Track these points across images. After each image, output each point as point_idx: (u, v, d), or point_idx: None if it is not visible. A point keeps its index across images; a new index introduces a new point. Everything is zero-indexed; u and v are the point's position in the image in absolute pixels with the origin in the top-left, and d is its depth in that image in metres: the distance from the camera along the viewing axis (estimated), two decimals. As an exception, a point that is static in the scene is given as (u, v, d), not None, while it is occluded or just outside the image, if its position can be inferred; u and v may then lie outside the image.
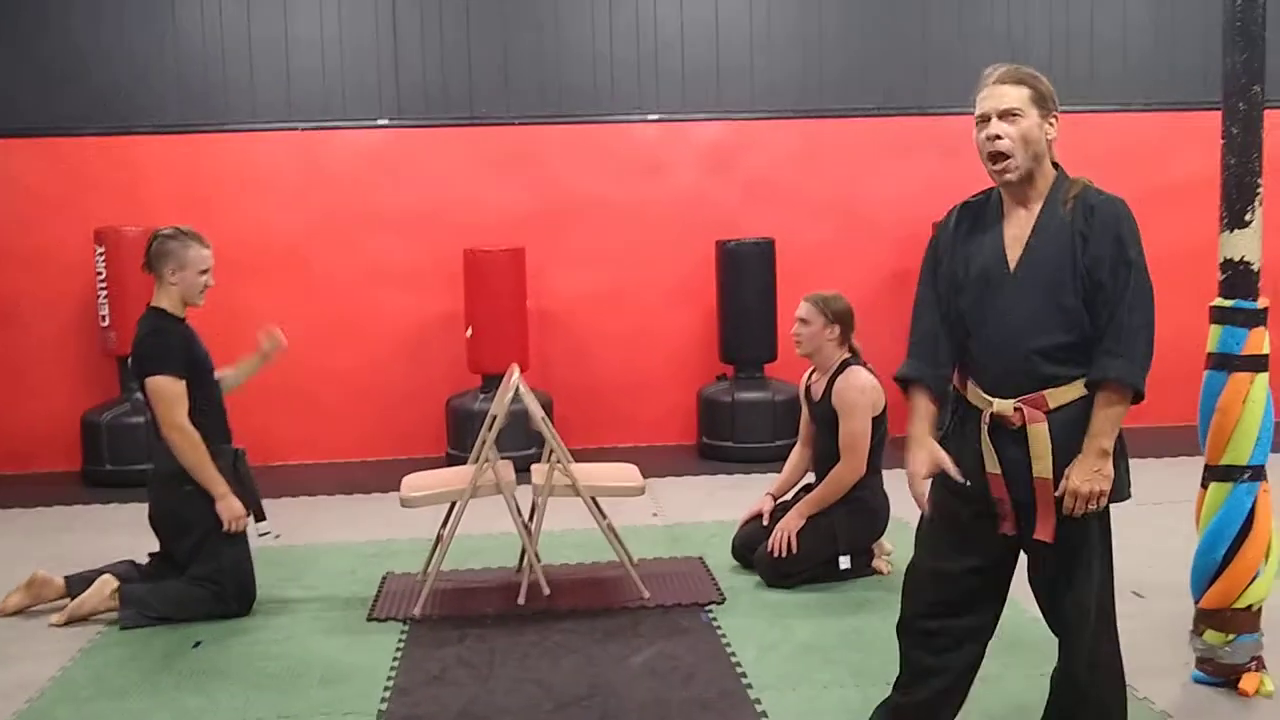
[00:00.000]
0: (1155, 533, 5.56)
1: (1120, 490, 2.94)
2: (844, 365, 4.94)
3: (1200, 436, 3.73)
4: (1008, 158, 2.93)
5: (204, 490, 4.62)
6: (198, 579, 4.70)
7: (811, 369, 5.14)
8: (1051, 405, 2.90)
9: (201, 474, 4.60)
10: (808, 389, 5.14)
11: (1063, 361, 2.89)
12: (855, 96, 8.10)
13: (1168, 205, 8.17)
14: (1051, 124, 2.98)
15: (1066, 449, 2.86)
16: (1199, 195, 8.04)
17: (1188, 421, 8.40)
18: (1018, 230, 3.00)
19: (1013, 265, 2.97)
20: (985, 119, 2.96)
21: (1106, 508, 2.93)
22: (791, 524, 4.83)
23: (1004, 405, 2.93)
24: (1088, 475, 2.84)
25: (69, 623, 4.65)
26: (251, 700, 3.87)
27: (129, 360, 4.78)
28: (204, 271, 4.72)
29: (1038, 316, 2.90)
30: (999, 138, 2.93)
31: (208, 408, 4.73)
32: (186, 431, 4.58)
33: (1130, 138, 8.20)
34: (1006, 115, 2.93)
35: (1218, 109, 3.66)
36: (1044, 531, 2.91)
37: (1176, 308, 8.00)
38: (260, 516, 4.83)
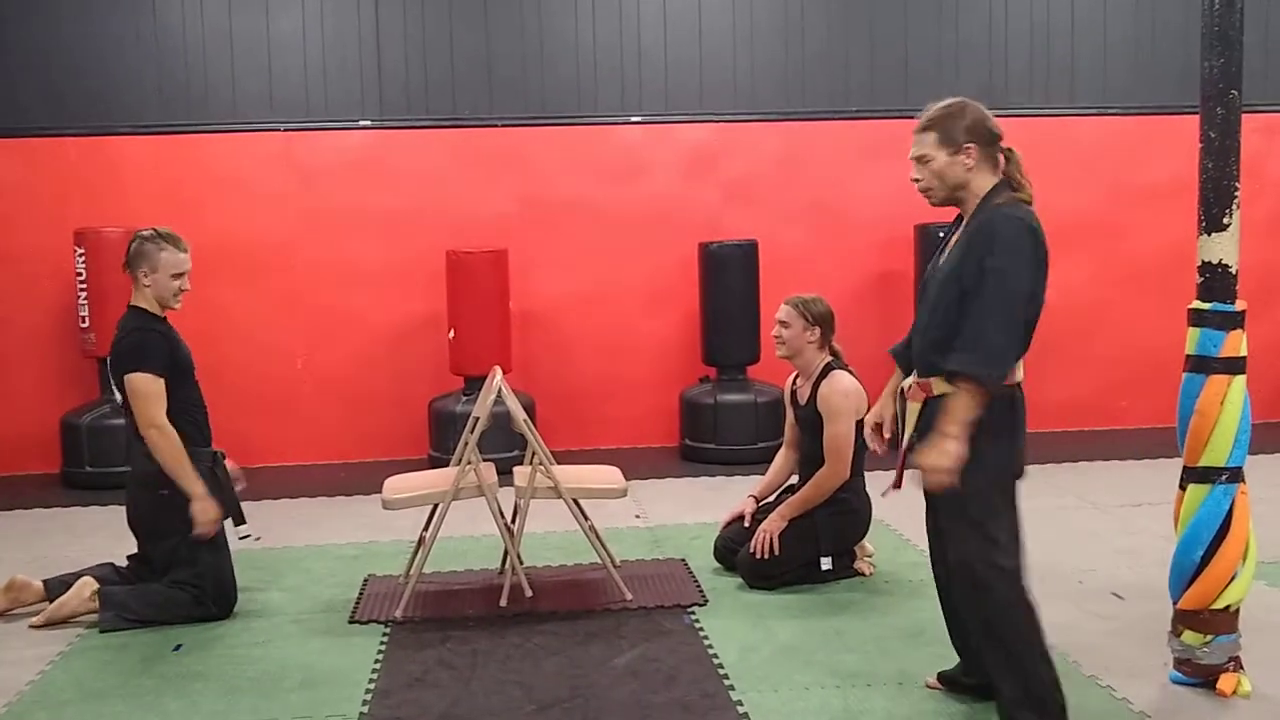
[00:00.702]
0: (1133, 534, 5.62)
1: (993, 468, 3.33)
2: (827, 369, 4.97)
3: (1179, 438, 3.75)
4: (929, 191, 3.51)
5: (182, 492, 4.58)
6: (178, 582, 4.68)
7: (795, 373, 5.17)
8: (935, 392, 3.40)
9: (179, 474, 4.56)
10: (793, 393, 5.15)
11: (945, 355, 3.31)
12: (838, 99, 8.12)
13: (1146, 209, 8.23)
14: (967, 153, 3.41)
15: (930, 429, 3.35)
16: (1177, 199, 8.11)
17: (1164, 423, 8.46)
18: (955, 240, 3.49)
19: (937, 269, 3.51)
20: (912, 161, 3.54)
21: (984, 483, 3.31)
22: (773, 526, 4.85)
23: (907, 383, 3.58)
24: (930, 453, 3.28)
25: (48, 625, 4.63)
26: (232, 703, 3.86)
27: (108, 359, 4.75)
28: (177, 275, 4.68)
29: (934, 314, 3.41)
30: (918, 179, 3.53)
31: (188, 409, 4.71)
32: (165, 430, 4.55)
33: (1109, 141, 8.25)
34: (919, 160, 3.50)
35: (1197, 113, 3.69)
36: (894, 484, 3.67)
37: (1153, 311, 8.13)
38: (239, 520, 4.81)
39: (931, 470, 3.26)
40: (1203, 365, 3.64)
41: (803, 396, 5.03)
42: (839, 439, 4.84)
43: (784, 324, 5.04)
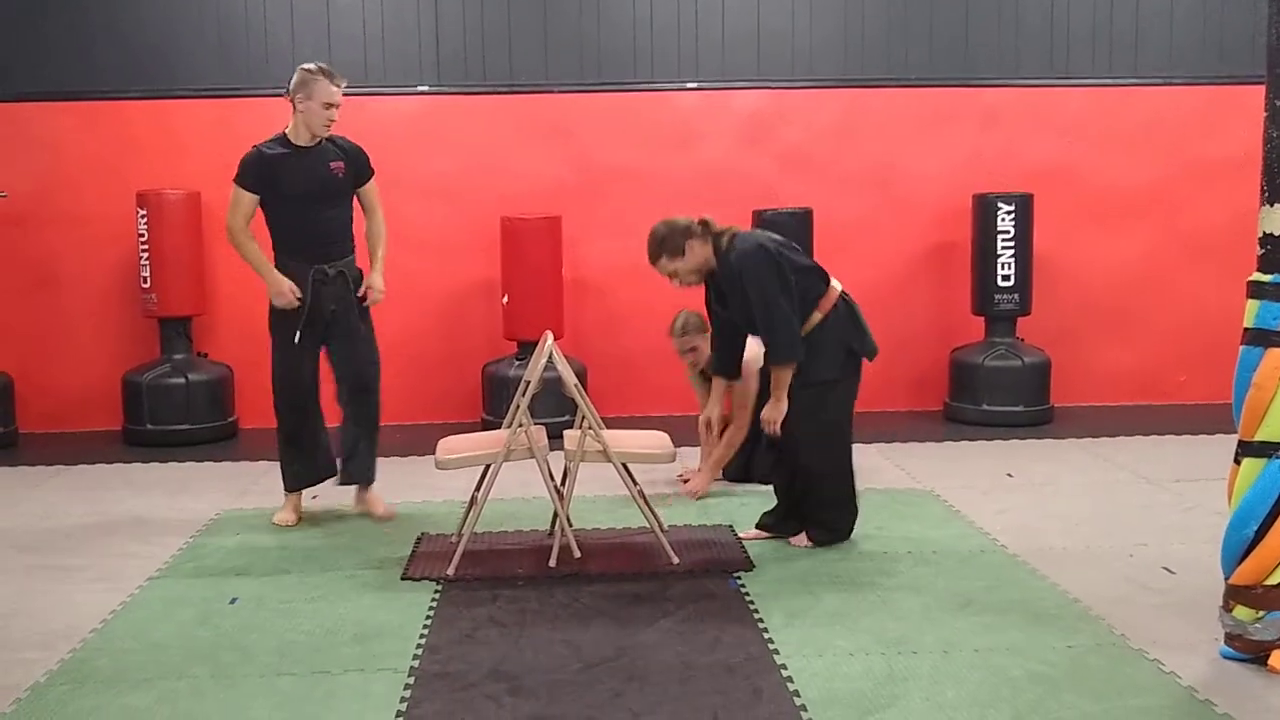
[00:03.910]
0: (1186, 510, 5.56)
1: (817, 375, 4.82)
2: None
3: (1234, 412, 3.70)
4: (693, 282, 4.99)
5: (271, 319, 5.31)
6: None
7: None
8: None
9: (251, 265, 5.30)
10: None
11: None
12: (896, 66, 8.04)
13: (1209, 181, 8.08)
14: (687, 250, 4.87)
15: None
16: (1242, 171, 7.96)
17: (1222, 399, 8.35)
18: (721, 288, 4.99)
19: (721, 308, 5.12)
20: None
21: (810, 395, 4.82)
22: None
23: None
24: (767, 410, 4.85)
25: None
26: (285, 655, 3.94)
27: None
28: (328, 105, 5.26)
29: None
30: (683, 284, 5.03)
31: (288, 229, 5.33)
32: (234, 232, 5.28)
33: (1172, 111, 8.09)
34: (672, 276, 4.97)
35: (1260, 83, 3.62)
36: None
37: (1215, 284, 8.00)
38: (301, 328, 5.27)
39: (768, 420, 4.80)
40: (1262, 338, 3.58)
41: None
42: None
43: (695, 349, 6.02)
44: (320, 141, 5.38)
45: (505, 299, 7.59)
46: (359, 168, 5.51)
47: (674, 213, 7.97)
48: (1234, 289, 8.01)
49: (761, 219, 7.59)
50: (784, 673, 3.72)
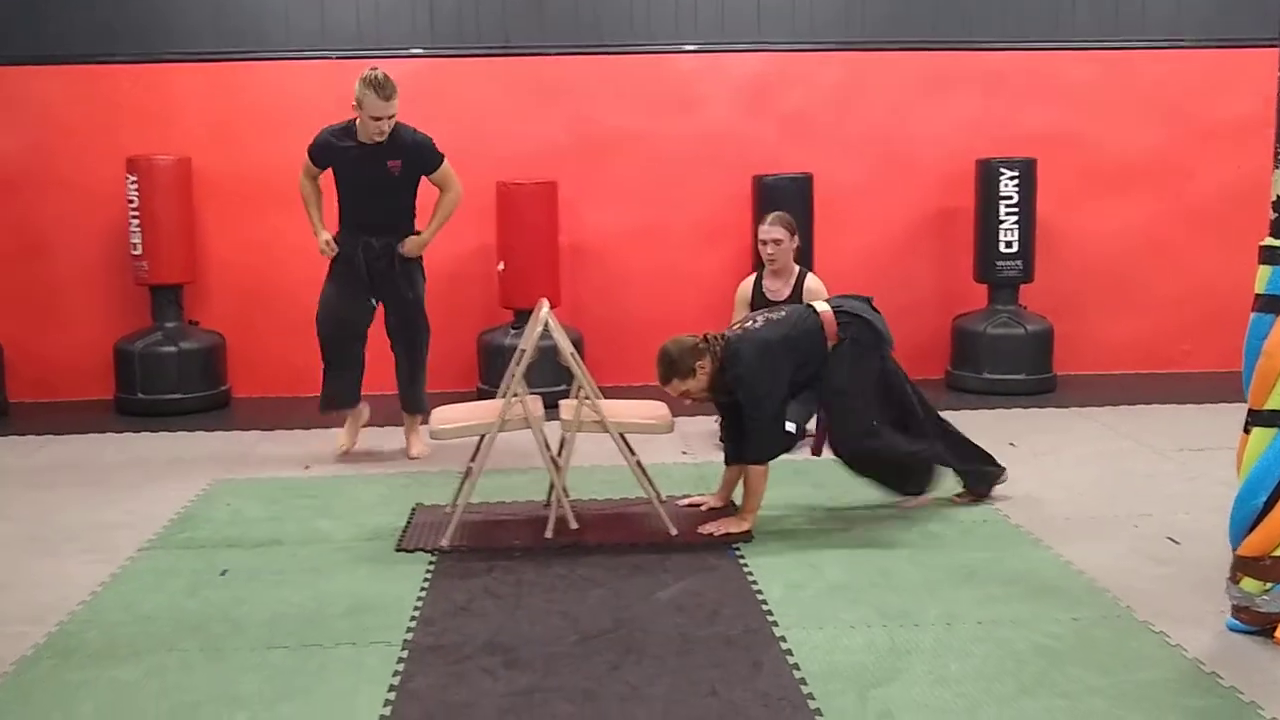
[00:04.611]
0: (1191, 479, 5.50)
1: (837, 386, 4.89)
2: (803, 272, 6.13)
3: (1244, 380, 3.62)
4: (708, 393, 4.82)
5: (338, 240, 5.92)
6: None
7: (755, 276, 6.21)
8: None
9: (306, 211, 5.94)
10: (759, 292, 6.11)
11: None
12: (898, 29, 7.90)
13: (1215, 146, 7.97)
14: (697, 370, 4.69)
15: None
16: (1250, 136, 7.85)
17: (1227, 368, 8.28)
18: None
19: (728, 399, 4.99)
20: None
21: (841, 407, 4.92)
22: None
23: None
24: (729, 523, 4.79)
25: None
26: (277, 628, 3.88)
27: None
28: (376, 119, 5.58)
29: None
30: (697, 400, 4.91)
31: (342, 199, 5.92)
32: (301, 183, 5.91)
33: (1178, 75, 7.97)
34: (684, 395, 4.81)
35: (1274, 46, 3.51)
36: (813, 451, 5.32)
37: (1220, 252, 7.91)
38: (366, 301, 5.99)
39: (724, 535, 4.65)
40: (1273, 305, 3.50)
41: (781, 293, 6.01)
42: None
43: (777, 242, 6.00)
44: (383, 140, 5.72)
45: (501, 266, 7.49)
46: (421, 162, 5.86)
47: (673, 177, 7.96)
48: (1239, 256, 7.95)
49: (761, 185, 7.50)
50: (784, 645, 3.66)
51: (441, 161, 5.91)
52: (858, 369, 4.81)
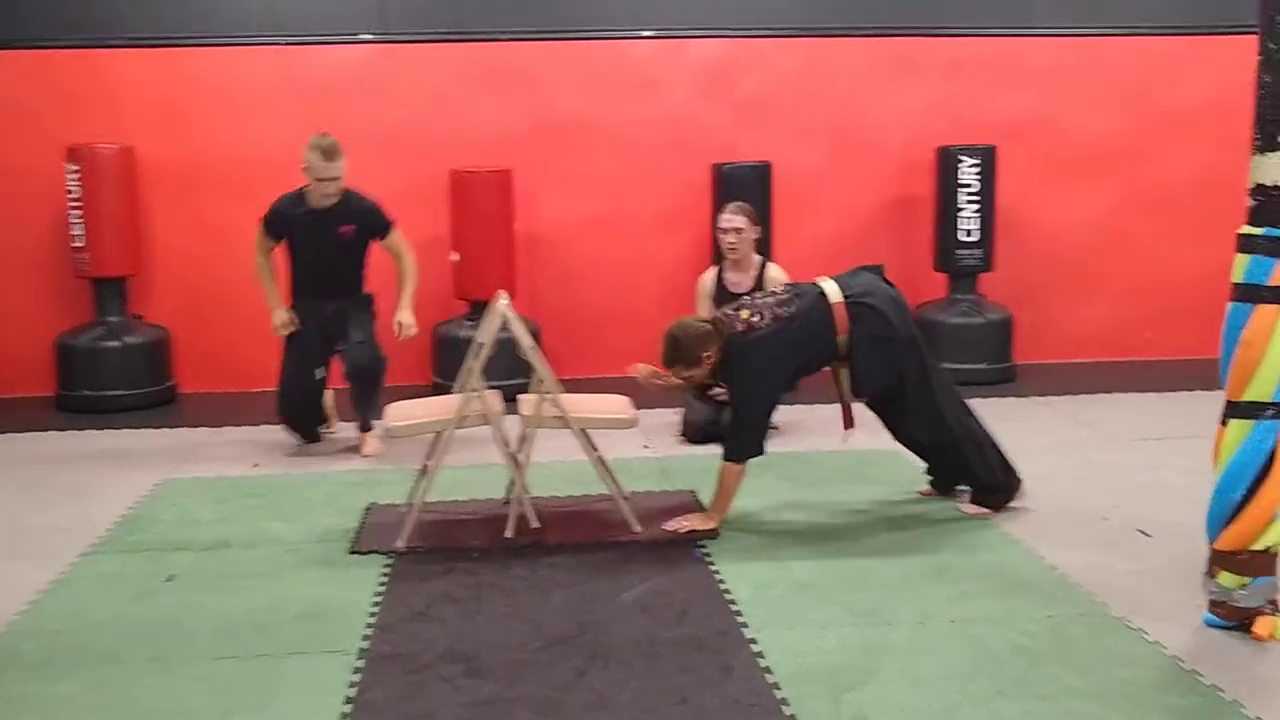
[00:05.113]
0: (1155, 469, 5.45)
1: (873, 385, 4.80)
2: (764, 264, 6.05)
3: (1221, 371, 3.54)
4: (707, 376, 4.71)
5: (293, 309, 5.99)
6: None
7: (717, 269, 6.11)
8: None
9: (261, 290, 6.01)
10: (721, 284, 6.01)
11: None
12: (859, 15, 7.80)
13: (1175, 134, 7.94)
14: (703, 361, 4.55)
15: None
16: (1209, 124, 7.84)
17: (1187, 355, 8.25)
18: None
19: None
20: None
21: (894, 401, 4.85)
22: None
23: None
24: (697, 519, 4.67)
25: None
26: (227, 637, 3.71)
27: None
28: (321, 180, 5.71)
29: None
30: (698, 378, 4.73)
31: (295, 267, 6.02)
32: (255, 259, 5.97)
33: (1138, 63, 7.92)
34: (687, 380, 4.74)
35: (1231, 34, 3.44)
36: (845, 424, 4.95)
37: (1180, 240, 7.90)
38: (322, 363, 6.09)
39: (689, 530, 4.54)
40: (1251, 294, 3.42)
41: (742, 286, 5.89)
42: None
43: (737, 230, 5.91)
44: (335, 204, 5.82)
45: (455, 256, 7.33)
46: (372, 226, 5.96)
47: (631, 165, 7.82)
48: (1198, 244, 7.95)
49: (720, 173, 7.39)
50: (754, 647, 3.55)
51: (392, 226, 6.01)
52: (877, 366, 4.65)
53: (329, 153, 5.70)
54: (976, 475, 4.85)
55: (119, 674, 3.47)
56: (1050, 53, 7.91)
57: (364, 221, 5.93)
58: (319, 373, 6.10)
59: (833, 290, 4.63)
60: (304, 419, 6.13)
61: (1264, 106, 3.37)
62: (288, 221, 5.90)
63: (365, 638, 3.68)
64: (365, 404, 6.05)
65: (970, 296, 7.63)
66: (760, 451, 4.63)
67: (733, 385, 4.62)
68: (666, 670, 3.41)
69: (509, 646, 3.59)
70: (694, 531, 4.55)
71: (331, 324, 5.98)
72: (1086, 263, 8.06)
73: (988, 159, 7.44)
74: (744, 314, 4.60)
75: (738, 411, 4.60)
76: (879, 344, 4.61)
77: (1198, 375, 7.13)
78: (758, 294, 4.85)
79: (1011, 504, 4.86)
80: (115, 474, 5.68)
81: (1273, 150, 3.37)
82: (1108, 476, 5.35)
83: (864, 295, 4.64)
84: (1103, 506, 4.88)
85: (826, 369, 4.78)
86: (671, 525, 4.59)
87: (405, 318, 5.90)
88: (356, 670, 3.45)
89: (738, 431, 4.59)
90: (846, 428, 4.87)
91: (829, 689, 3.28)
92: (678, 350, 4.54)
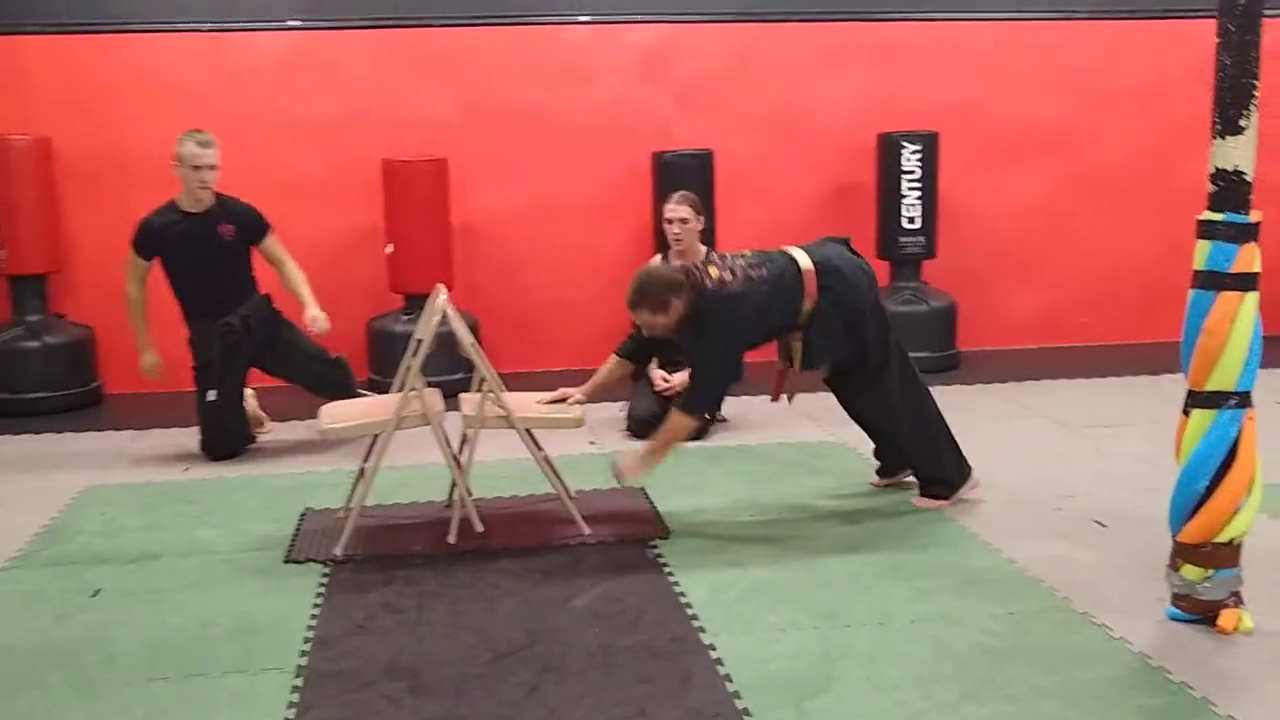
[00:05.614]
0: (1106, 457, 5.43)
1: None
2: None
3: (1183, 360, 3.47)
4: (675, 328, 4.45)
5: (193, 344, 5.75)
6: None
7: (662, 259, 5.91)
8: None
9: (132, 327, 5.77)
10: None
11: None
12: (794, 0, 7.70)
13: (1111, 119, 7.93)
14: (671, 308, 4.34)
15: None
16: (1145, 109, 7.84)
17: (1125, 340, 8.26)
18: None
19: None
20: None
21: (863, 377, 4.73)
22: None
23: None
24: (628, 456, 4.59)
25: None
26: (155, 656, 3.51)
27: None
28: (196, 168, 5.50)
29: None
30: (648, 334, 4.59)
31: (180, 285, 5.73)
32: (127, 294, 5.72)
33: (1073, 46, 7.90)
34: (645, 328, 4.54)
35: (1168, 18, 3.36)
36: (773, 397, 4.86)
37: (1117, 224, 7.90)
38: (212, 385, 5.70)
39: (619, 468, 4.51)
40: (1214, 281, 3.35)
41: None
42: None
43: (682, 220, 5.78)
44: (210, 206, 5.63)
45: (389, 248, 7.13)
46: (250, 229, 5.76)
47: (568, 152, 7.65)
48: (1136, 228, 7.94)
49: (661, 161, 7.25)
50: (713, 654, 3.43)
51: (270, 229, 5.84)
52: (836, 339, 4.54)
53: (202, 136, 5.55)
54: (919, 466, 4.82)
55: (39, 700, 3.26)
56: (986, 36, 7.86)
57: (243, 223, 5.73)
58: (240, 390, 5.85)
59: (803, 259, 4.50)
60: (235, 447, 5.80)
61: (1223, 90, 3.29)
62: (160, 236, 5.63)
63: (303, 654, 3.50)
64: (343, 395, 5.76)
65: (914, 284, 7.58)
66: (716, 409, 4.71)
67: (696, 344, 4.41)
68: (623, 681, 3.27)
69: (455, 660, 3.44)
70: (621, 474, 4.51)
71: (255, 333, 5.75)
72: (1027, 248, 8.04)
73: (929, 146, 7.38)
74: (713, 271, 4.42)
75: (699, 367, 4.46)
76: (845, 314, 4.50)
77: (1139, 360, 7.15)
78: (726, 255, 4.59)
79: (962, 495, 4.78)
80: (35, 481, 5.42)
81: (1233, 134, 3.30)
82: (1057, 465, 5.31)
83: (835, 265, 4.51)
84: (1055, 496, 4.82)
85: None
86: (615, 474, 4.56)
87: (316, 311, 5.77)
88: (295, 690, 3.27)
89: (696, 387, 4.47)
90: (774, 400, 4.79)
91: (791, 697, 3.16)
92: (644, 292, 4.34)
